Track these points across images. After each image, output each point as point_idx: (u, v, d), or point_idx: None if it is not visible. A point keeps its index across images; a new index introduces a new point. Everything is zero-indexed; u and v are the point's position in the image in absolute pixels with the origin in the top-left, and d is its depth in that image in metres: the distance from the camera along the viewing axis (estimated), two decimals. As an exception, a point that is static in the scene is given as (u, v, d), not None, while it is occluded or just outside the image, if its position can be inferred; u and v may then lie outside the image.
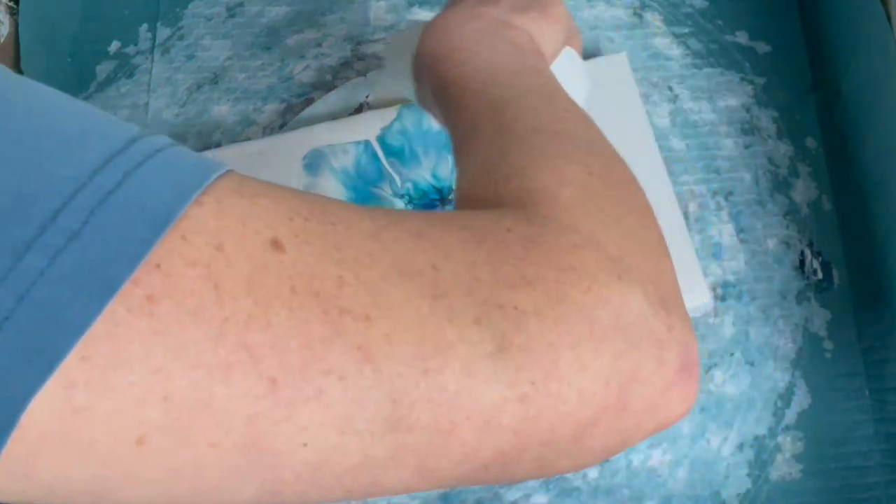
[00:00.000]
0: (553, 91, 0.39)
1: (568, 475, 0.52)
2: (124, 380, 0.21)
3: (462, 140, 0.37)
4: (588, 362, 0.27)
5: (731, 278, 0.56)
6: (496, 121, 0.36)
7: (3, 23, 0.58)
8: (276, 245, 0.23)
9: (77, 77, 0.62)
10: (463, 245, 0.27)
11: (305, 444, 0.23)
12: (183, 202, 0.23)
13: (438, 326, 0.25)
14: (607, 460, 0.32)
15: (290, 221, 0.24)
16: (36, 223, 0.21)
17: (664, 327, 0.29)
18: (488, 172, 0.33)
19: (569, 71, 0.48)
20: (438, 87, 0.41)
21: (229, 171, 0.25)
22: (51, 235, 0.21)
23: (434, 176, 0.56)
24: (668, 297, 0.30)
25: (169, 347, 0.21)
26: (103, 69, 0.62)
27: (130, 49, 0.63)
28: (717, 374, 0.54)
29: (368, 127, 0.58)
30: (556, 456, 0.28)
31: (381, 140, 0.57)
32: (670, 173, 0.56)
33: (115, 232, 0.21)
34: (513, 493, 0.52)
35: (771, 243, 0.57)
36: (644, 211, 0.33)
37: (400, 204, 0.56)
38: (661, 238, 0.32)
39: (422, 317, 0.25)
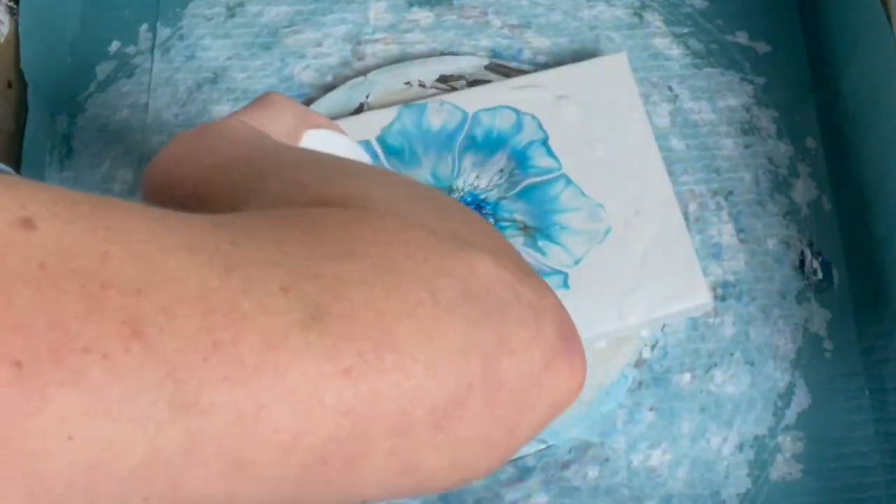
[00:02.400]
0: (300, 148, 0.37)
1: (568, 475, 0.52)
2: None
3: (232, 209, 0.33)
4: (433, 329, 0.23)
5: (731, 278, 0.56)
6: (263, 173, 0.32)
7: (3, 23, 0.58)
8: (27, 223, 0.20)
9: (77, 77, 0.62)
10: (269, 226, 0.24)
11: (70, 438, 0.19)
12: None
13: (230, 296, 0.21)
14: (500, 464, 0.27)
15: (52, 204, 0.21)
16: None
17: (532, 293, 0.26)
18: (276, 202, 0.29)
19: (322, 147, 0.45)
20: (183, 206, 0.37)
21: None
22: None
23: (434, 176, 0.56)
24: (523, 267, 0.27)
25: None
26: (103, 69, 0.62)
27: (130, 49, 0.63)
28: (717, 374, 0.54)
29: (368, 127, 0.58)
30: (418, 450, 0.24)
31: (381, 140, 0.57)
32: (670, 173, 0.56)
33: None
34: (513, 493, 0.52)
35: (771, 243, 0.57)
36: (462, 206, 0.31)
37: (400, 204, 0.56)
38: (494, 228, 0.30)
39: (208, 287, 0.21)
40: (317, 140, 0.44)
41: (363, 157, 0.48)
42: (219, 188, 0.33)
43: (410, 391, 0.23)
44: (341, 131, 0.47)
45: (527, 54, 0.62)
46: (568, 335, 0.27)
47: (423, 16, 0.64)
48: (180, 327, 0.21)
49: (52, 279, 0.20)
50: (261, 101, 0.43)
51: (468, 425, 0.24)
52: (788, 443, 0.53)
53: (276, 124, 0.42)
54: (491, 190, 0.56)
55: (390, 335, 0.23)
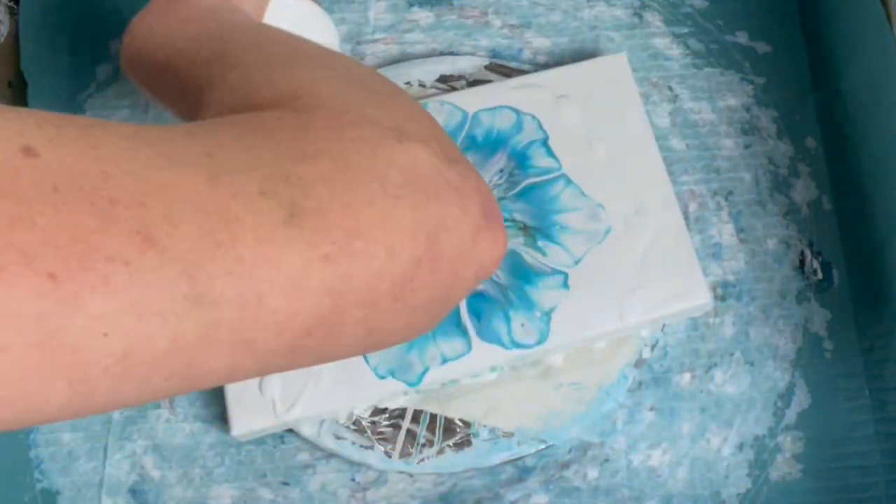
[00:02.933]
0: (262, 26, 0.39)
1: (568, 475, 0.52)
2: None
3: (196, 93, 0.36)
4: (388, 216, 0.27)
5: (731, 278, 0.56)
6: (226, 57, 0.35)
7: (3, 23, 0.58)
8: (28, 151, 0.22)
9: (77, 77, 0.62)
10: (235, 136, 0.27)
11: (106, 334, 0.23)
12: None
13: (221, 202, 0.25)
14: (440, 320, 0.32)
15: (39, 129, 0.23)
16: None
17: (458, 177, 0.30)
18: (234, 97, 0.33)
19: (289, 15, 0.47)
20: (141, 76, 0.41)
21: None
22: None
23: (434, 176, 0.56)
24: (452, 153, 0.31)
25: None
26: (103, 69, 0.62)
27: (130, 49, 0.63)
28: (717, 374, 0.54)
29: (368, 127, 0.57)
30: (381, 317, 0.28)
31: (381, 140, 0.57)
32: (670, 173, 0.56)
33: None
34: (513, 493, 0.52)
35: (771, 243, 0.57)
36: (397, 90, 0.34)
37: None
38: (424, 110, 0.33)
39: (201, 195, 0.24)
40: (283, 6, 0.46)
41: (326, 22, 0.50)
42: (189, 66, 0.37)
43: (376, 270, 0.27)
44: None
45: (527, 54, 0.62)
46: (490, 210, 0.31)
47: (423, 16, 0.64)
48: (185, 232, 0.24)
49: (65, 199, 0.22)
50: None
51: (417, 294, 0.29)
52: (788, 443, 0.53)
53: None
54: (491, 190, 0.56)
55: (356, 224, 0.26)
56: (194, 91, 0.36)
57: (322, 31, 0.50)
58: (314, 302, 0.26)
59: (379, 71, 0.61)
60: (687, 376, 0.54)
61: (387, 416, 0.53)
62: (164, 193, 0.24)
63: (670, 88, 0.61)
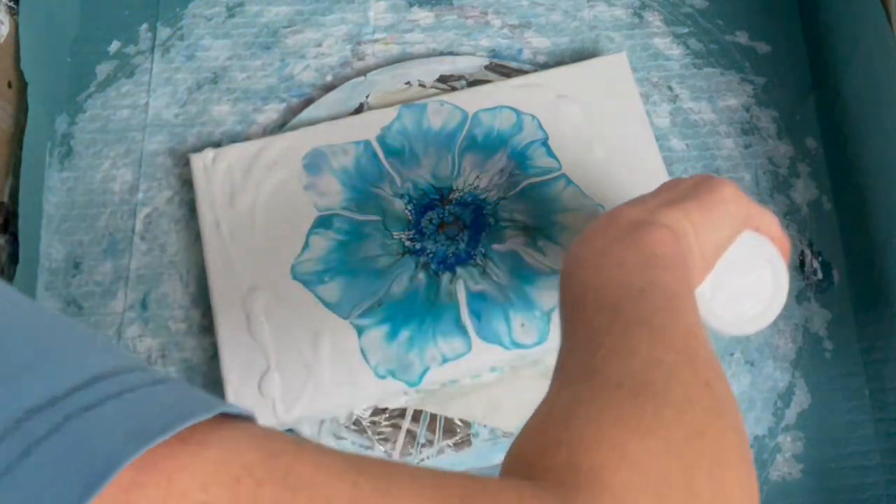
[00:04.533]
0: (667, 319, 0.33)
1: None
2: None
3: (554, 374, 0.33)
4: None
5: (731, 278, 0.56)
6: (582, 362, 0.31)
7: (3, 23, 0.58)
8: None
9: (77, 77, 0.62)
10: None
11: None
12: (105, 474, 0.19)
13: None
14: None
15: (236, 483, 0.21)
16: None
17: None
18: (545, 431, 0.29)
19: (745, 260, 0.42)
20: (560, 301, 0.37)
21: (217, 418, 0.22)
22: None
23: (434, 176, 0.56)
24: None
25: None
26: (103, 69, 0.62)
27: (130, 49, 0.63)
28: (717, 374, 0.54)
29: (368, 127, 0.58)
30: None
31: (381, 140, 0.57)
32: (670, 173, 0.56)
33: None
34: (513, 493, 0.52)
35: (771, 243, 0.57)
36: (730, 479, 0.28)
37: (400, 204, 0.56)
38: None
39: None
40: (741, 249, 0.41)
41: (782, 272, 0.43)
42: (574, 326, 0.34)
43: None
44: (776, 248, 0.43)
45: (527, 54, 0.62)
46: None
47: (423, 16, 0.64)
48: None
49: None
50: (709, 195, 0.39)
51: None
52: (788, 443, 0.53)
53: (712, 234, 0.39)
54: (491, 190, 0.56)
55: None
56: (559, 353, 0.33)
57: (771, 290, 0.43)
58: None
59: (380, 71, 0.61)
60: (687, 376, 0.54)
61: (387, 416, 0.53)
62: None
63: (670, 88, 0.61)
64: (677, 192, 0.40)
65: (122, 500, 0.19)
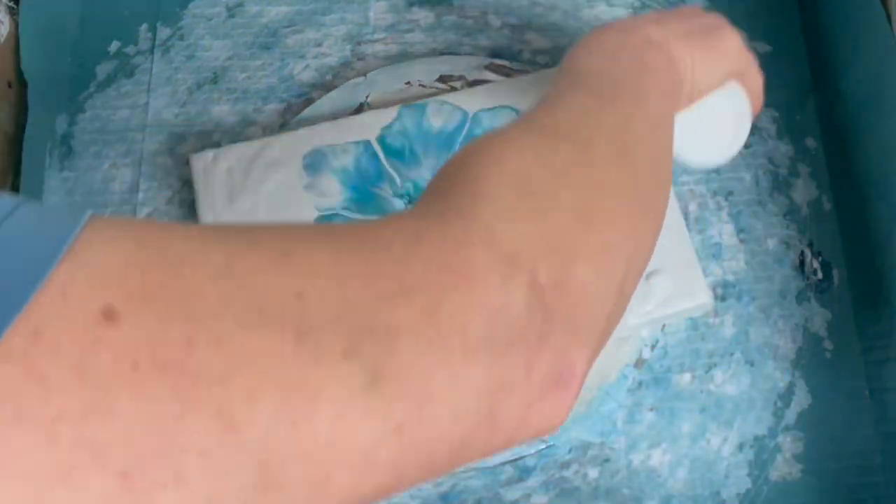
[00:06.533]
0: (628, 125, 0.35)
1: (568, 475, 0.52)
2: None
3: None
4: (460, 378, 0.25)
5: (731, 278, 0.56)
6: (526, 114, 0.34)
7: (3, 23, 0.58)
8: (110, 314, 0.20)
9: (77, 77, 0.62)
10: (335, 258, 0.25)
11: None
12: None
13: (304, 369, 0.23)
14: None
15: (125, 279, 0.21)
16: None
17: (536, 334, 0.27)
18: (452, 158, 0.32)
19: (718, 107, 0.46)
20: (558, 70, 0.41)
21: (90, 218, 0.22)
22: None
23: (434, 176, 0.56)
24: (560, 304, 0.27)
25: None
26: (103, 69, 0.62)
27: (130, 49, 0.63)
28: (717, 374, 0.54)
29: (368, 127, 0.58)
30: (431, 475, 0.27)
31: (381, 140, 0.57)
32: (670, 173, 0.56)
33: None
34: (513, 493, 0.52)
35: (771, 243, 0.57)
36: (610, 215, 0.30)
37: (400, 204, 0.56)
38: (606, 246, 0.30)
39: (286, 362, 0.22)
40: (721, 97, 0.45)
41: (746, 123, 0.47)
42: (556, 92, 0.36)
43: (438, 434, 0.25)
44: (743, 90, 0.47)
45: (527, 54, 0.62)
46: (563, 376, 0.28)
47: (423, 16, 0.64)
48: (264, 409, 0.22)
49: (145, 379, 0.20)
50: (718, 45, 0.43)
51: (470, 456, 0.27)
52: (788, 443, 0.53)
53: (704, 69, 0.42)
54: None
55: (429, 388, 0.24)
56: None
57: (730, 136, 0.48)
58: (379, 475, 0.24)
59: (380, 71, 0.61)
60: (687, 376, 0.54)
61: (387, 416, 0.53)
62: (250, 362, 0.22)
63: (670, 88, 0.61)
64: (692, 27, 0.43)
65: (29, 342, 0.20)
